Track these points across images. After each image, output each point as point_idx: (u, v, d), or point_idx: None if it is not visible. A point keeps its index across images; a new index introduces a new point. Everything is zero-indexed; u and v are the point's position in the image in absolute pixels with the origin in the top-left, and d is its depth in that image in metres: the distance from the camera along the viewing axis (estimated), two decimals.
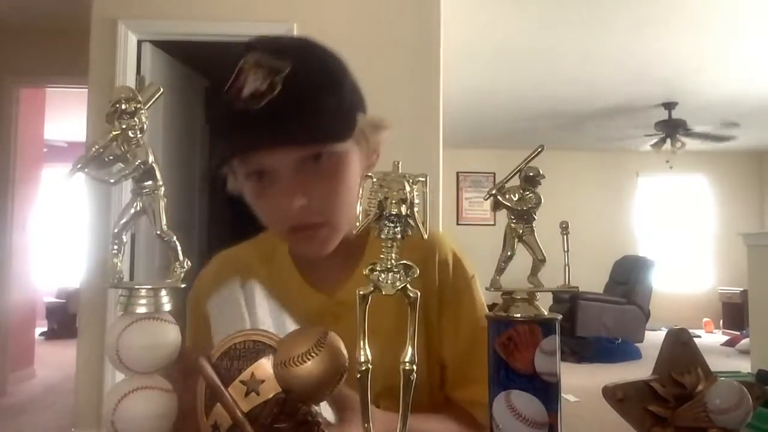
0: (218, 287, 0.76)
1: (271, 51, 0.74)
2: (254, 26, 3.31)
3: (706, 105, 6.62)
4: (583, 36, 4.85)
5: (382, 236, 0.47)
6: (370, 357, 0.47)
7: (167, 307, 0.56)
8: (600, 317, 6.84)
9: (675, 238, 9.15)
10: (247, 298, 0.72)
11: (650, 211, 9.20)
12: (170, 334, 0.56)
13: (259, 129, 0.72)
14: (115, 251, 0.57)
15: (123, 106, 0.55)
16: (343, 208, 0.80)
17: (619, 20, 4.53)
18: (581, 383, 4.63)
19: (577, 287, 0.60)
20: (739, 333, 7.23)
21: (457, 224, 8.81)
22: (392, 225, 0.47)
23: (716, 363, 5.42)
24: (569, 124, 7.67)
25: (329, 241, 0.81)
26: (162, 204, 0.57)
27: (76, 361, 3.33)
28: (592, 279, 7.34)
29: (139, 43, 3.47)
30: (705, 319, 8.58)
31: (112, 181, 0.56)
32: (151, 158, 0.56)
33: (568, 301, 6.85)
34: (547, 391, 0.53)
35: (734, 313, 8.00)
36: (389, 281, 0.47)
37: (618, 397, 0.57)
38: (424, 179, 0.49)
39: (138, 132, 0.56)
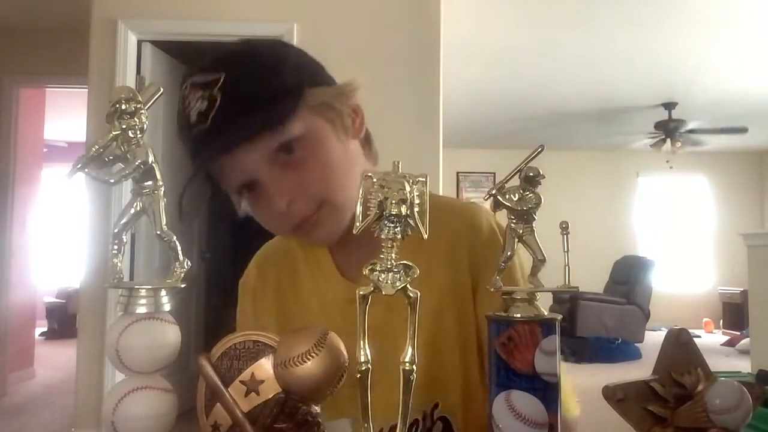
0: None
1: (202, 70, 0.77)
2: (254, 26, 3.31)
3: (706, 105, 6.62)
4: (583, 36, 4.85)
5: (382, 236, 0.47)
6: (370, 357, 0.47)
7: (167, 307, 0.56)
8: (600, 317, 6.84)
9: (675, 238, 9.15)
10: None
11: (650, 211, 9.20)
12: (170, 334, 0.56)
13: (217, 139, 0.73)
14: (115, 251, 0.57)
15: (123, 106, 0.55)
16: (336, 184, 0.78)
17: (619, 20, 4.53)
18: (581, 383, 4.63)
19: (577, 287, 0.60)
20: (739, 333, 7.22)
21: None
22: (392, 225, 0.47)
23: (716, 363, 5.42)
24: (569, 124, 7.67)
25: (335, 220, 0.80)
26: (162, 204, 0.57)
27: (76, 361, 3.33)
28: (592, 279, 7.34)
29: (139, 43, 3.47)
30: (705, 319, 8.58)
31: (112, 181, 0.56)
32: (151, 158, 0.56)
33: (568, 301, 6.84)
34: (547, 391, 0.53)
35: (734, 313, 8.00)
36: (389, 281, 0.47)
37: (618, 397, 0.57)
38: (424, 179, 0.49)
39: (138, 132, 0.56)
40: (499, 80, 6.01)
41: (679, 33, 4.77)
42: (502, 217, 0.58)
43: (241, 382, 0.53)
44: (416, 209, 0.47)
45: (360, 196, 0.49)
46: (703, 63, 5.45)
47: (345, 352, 0.53)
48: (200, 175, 0.79)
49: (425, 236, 0.48)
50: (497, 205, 0.56)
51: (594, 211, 8.86)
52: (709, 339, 7.59)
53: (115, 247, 0.57)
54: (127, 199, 0.58)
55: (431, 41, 3.42)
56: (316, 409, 0.54)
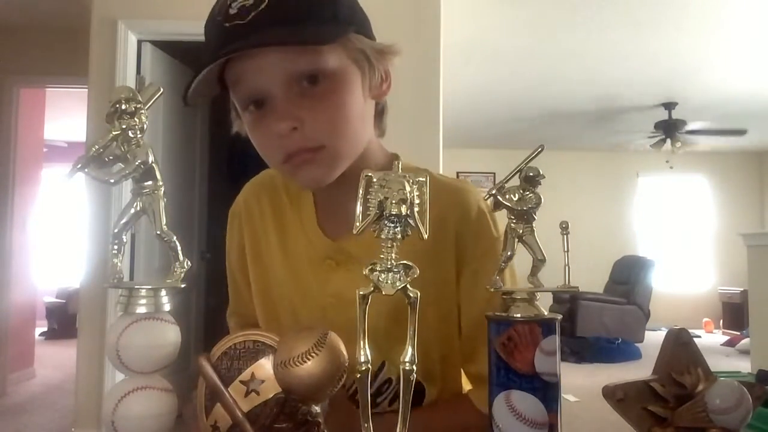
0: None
1: None
2: None
3: (706, 105, 6.62)
4: (582, 36, 4.85)
5: (382, 236, 0.47)
6: (369, 357, 0.47)
7: (167, 307, 0.56)
8: (600, 317, 6.85)
9: (675, 238, 9.15)
10: None
11: (650, 211, 9.20)
12: (170, 334, 0.56)
13: (246, 34, 0.70)
14: (115, 251, 0.57)
15: (123, 106, 0.55)
16: (345, 132, 0.76)
17: (619, 20, 4.53)
18: (581, 383, 4.63)
19: (577, 287, 0.60)
20: (739, 333, 7.22)
21: None
22: (392, 225, 0.47)
23: (716, 363, 5.42)
24: (569, 124, 7.67)
25: (328, 166, 0.77)
26: (162, 204, 0.57)
27: (76, 361, 3.33)
28: (592, 279, 7.34)
29: (139, 43, 3.47)
30: (705, 319, 8.58)
31: (112, 181, 0.56)
32: (151, 158, 0.56)
33: (568, 301, 6.85)
34: (547, 391, 0.53)
35: (734, 313, 7.99)
36: (389, 281, 0.47)
37: (618, 397, 0.57)
38: (424, 179, 0.49)
39: (138, 132, 0.56)
40: (499, 80, 6.01)
41: (679, 33, 4.77)
42: (502, 217, 0.58)
43: (241, 382, 0.54)
44: (416, 209, 0.47)
45: (360, 195, 0.49)
46: (703, 63, 5.45)
47: (345, 352, 0.53)
48: (213, 77, 0.74)
49: (425, 236, 0.48)
50: (497, 205, 0.57)
51: (594, 211, 8.86)
52: (709, 339, 7.59)
53: (115, 247, 0.57)
54: (127, 199, 0.58)
55: (431, 41, 3.42)
56: (316, 409, 0.54)
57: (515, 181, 0.56)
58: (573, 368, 5.73)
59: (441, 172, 3.37)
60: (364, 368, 0.47)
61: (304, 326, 0.61)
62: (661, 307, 7.88)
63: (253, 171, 1.00)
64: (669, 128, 6.84)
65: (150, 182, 0.57)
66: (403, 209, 0.47)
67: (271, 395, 0.52)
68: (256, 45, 0.70)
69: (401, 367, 0.47)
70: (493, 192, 0.56)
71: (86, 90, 3.43)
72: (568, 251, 0.57)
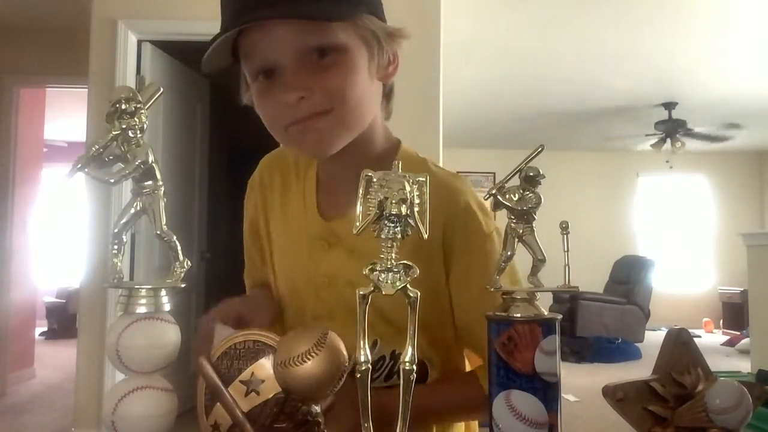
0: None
1: None
2: None
3: (706, 105, 6.62)
4: (583, 36, 4.85)
5: (382, 236, 0.47)
6: (369, 357, 0.47)
7: (167, 307, 0.56)
8: (600, 317, 6.85)
9: (675, 238, 9.15)
10: None
11: (650, 211, 9.20)
12: (170, 334, 0.56)
13: (261, 6, 0.72)
14: (115, 251, 0.57)
15: (123, 106, 0.55)
16: (351, 98, 0.77)
17: (619, 20, 4.53)
18: (581, 383, 4.63)
19: (577, 287, 0.60)
20: (739, 333, 7.23)
21: None
22: (392, 225, 0.47)
23: (716, 363, 5.42)
24: (569, 124, 7.67)
25: (332, 133, 0.78)
26: (162, 204, 0.57)
27: (76, 361, 3.33)
28: (592, 279, 7.34)
29: (139, 43, 3.47)
30: (705, 319, 8.58)
31: (112, 181, 0.56)
32: (151, 158, 0.56)
33: (568, 301, 6.85)
34: (547, 391, 0.53)
35: (734, 313, 7.99)
36: (389, 281, 0.47)
37: (618, 397, 0.57)
38: (424, 179, 0.49)
39: (138, 132, 0.56)
40: (499, 80, 6.01)
41: (680, 33, 4.78)
42: (502, 217, 0.58)
43: (241, 382, 0.54)
44: (416, 209, 0.47)
45: (360, 195, 0.49)
46: (703, 63, 5.45)
47: (345, 352, 0.53)
48: (226, 47, 0.76)
49: (425, 236, 0.48)
50: (497, 205, 0.56)
51: (594, 211, 8.86)
52: (709, 339, 7.59)
53: (115, 247, 0.57)
54: (127, 199, 0.58)
55: (431, 41, 3.42)
56: (316, 409, 0.54)
57: (515, 181, 0.56)
58: (573, 368, 5.73)
59: None
60: (364, 368, 0.47)
61: (303, 326, 0.61)
62: (661, 307, 7.88)
63: (253, 171, 1.01)
64: (669, 128, 6.84)
65: (150, 182, 0.57)
66: (403, 209, 0.47)
67: (271, 395, 0.52)
68: (269, 17, 0.72)
69: (401, 367, 0.47)
70: (493, 192, 0.56)
71: (86, 90, 3.43)
72: (568, 251, 0.57)
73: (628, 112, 7.01)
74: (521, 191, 0.56)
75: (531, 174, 0.56)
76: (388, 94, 0.89)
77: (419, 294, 0.48)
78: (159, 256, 3.46)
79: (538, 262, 0.57)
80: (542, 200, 0.56)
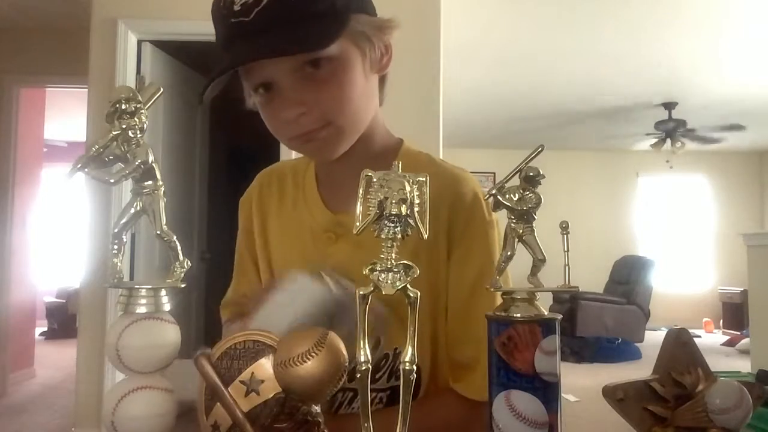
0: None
1: None
2: None
3: (706, 105, 6.62)
4: (582, 36, 4.85)
5: (382, 236, 0.47)
6: (370, 357, 0.47)
7: (167, 307, 0.56)
8: (600, 317, 6.84)
9: (675, 238, 9.15)
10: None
11: (650, 211, 9.20)
12: (170, 334, 0.56)
13: (252, 40, 0.73)
14: (115, 251, 0.57)
15: (123, 106, 0.55)
16: (348, 110, 0.79)
17: (619, 20, 4.53)
18: (581, 383, 4.63)
19: (577, 287, 0.60)
20: (739, 333, 7.23)
21: None
22: (392, 225, 0.47)
23: (716, 363, 5.43)
24: (569, 124, 7.67)
25: (333, 143, 0.80)
26: (162, 204, 0.57)
27: (76, 361, 3.33)
28: (592, 279, 7.34)
29: (139, 43, 3.47)
30: (705, 319, 8.58)
31: (112, 181, 0.56)
32: (151, 158, 0.56)
33: (568, 301, 6.85)
34: (547, 391, 0.53)
35: (734, 313, 8.00)
36: (389, 281, 0.47)
37: (618, 397, 0.57)
38: (424, 179, 0.49)
39: (138, 132, 0.56)
40: (499, 80, 6.01)
41: (679, 33, 4.77)
42: (502, 217, 0.58)
43: (241, 382, 0.53)
44: (416, 209, 0.47)
45: (360, 195, 0.49)
46: (703, 63, 5.45)
47: (345, 352, 0.53)
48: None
49: (425, 236, 0.48)
50: (497, 205, 0.56)
51: (594, 211, 8.86)
52: (709, 339, 7.59)
53: (115, 247, 0.57)
54: (127, 199, 0.58)
55: (431, 41, 3.42)
56: (316, 408, 0.54)
57: (515, 181, 0.56)
58: (573, 368, 5.73)
59: None
60: (364, 368, 0.47)
61: (303, 326, 0.61)
62: (661, 307, 7.88)
63: (253, 172, 1.01)
64: (669, 128, 6.84)
65: (150, 182, 0.57)
66: (403, 209, 0.47)
67: (271, 395, 0.52)
68: (264, 54, 0.73)
69: (401, 367, 0.47)
70: (493, 192, 0.56)
71: (86, 90, 3.43)
72: (568, 251, 0.57)
73: (628, 111, 7.01)
74: (521, 191, 0.56)
75: (531, 174, 0.56)
76: (381, 81, 0.89)
77: (419, 294, 0.48)
78: (159, 256, 3.46)
79: (538, 262, 0.57)
80: (542, 200, 0.56)
